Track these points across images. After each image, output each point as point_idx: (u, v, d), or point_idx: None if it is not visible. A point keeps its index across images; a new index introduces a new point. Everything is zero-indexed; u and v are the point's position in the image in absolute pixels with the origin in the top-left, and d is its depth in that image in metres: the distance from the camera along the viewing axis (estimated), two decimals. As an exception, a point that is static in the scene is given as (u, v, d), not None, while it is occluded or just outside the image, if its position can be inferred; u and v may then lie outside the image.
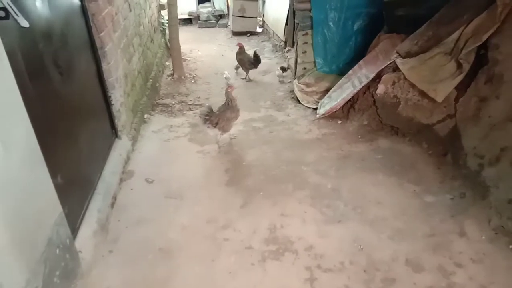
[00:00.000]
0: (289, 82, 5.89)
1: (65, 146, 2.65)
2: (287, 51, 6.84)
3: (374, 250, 2.75)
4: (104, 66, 3.40)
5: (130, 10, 4.53)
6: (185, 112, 5.05)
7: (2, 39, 1.75)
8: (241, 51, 6.17)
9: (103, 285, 2.52)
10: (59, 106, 2.59)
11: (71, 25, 2.93)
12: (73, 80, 2.85)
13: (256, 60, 6.10)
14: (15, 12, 1.91)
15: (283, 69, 6.17)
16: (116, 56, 3.70)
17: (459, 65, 3.57)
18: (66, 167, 2.57)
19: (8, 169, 1.75)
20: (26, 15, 2.07)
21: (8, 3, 1.87)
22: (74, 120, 2.84)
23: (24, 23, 1.96)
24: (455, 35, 3.66)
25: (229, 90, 4.03)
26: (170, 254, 2.77)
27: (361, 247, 2.76)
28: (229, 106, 4.03)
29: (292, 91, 5.47)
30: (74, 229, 2.62)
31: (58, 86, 2.61)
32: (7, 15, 1.88)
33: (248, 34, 8.92)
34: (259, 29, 9.13)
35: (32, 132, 1.98)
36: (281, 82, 6.11)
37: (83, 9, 3.14)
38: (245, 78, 6.32)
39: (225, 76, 6.13)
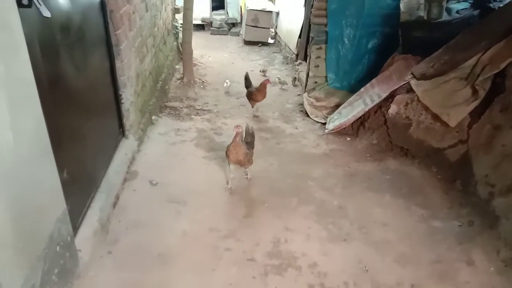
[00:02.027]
0: (299, 95, 5.86)
1: (73, 141, 2.60)
2: (298, 64, 6.82)
3: (378, 273, 2.68)
4: (117, 64, 3.37)
5: (147, 11, 4.51)
6: (192, 116, 5.01)
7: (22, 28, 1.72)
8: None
9: (98, 287, 2.45)
10: (70, 100, 2.55)
11: (89, 20, 2.90)
12: (86, 76, 2.81)
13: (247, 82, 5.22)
14: (38, 1, 1.88)
15: (294, 79, 6.22)
16: (130, 55, 3.67)
17: (475, 91, 3.54)
18: (72, 162, 2.52)
19: (17, 161, 1.70)
20: (47, 5, 2.04)
21: (32, -9, 1.84)
22: (84, 116, 2.80)
23: (46, 13, 1.92)
24: (471, 61, 3.64)
25: (236, 130, 3.32)
26: (169, 260, 2.70)
27: (366, 268, 2.69)
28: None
29: (301, 104, 5.43)
30: (75, 227, 2.54)
31: (72, 80, 2.57)
32: (30, 3, 1.84)
33: (260, 45, 8.93)
34: (270, 40, 9.14)
35: (44, 125, 1.93)
36: (283, 89, 6.21)
37: (102, 5, 3.11)
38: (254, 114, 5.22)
39: (227, 85, 6.01)
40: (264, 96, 4.96)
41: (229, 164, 3.51)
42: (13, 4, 1.69)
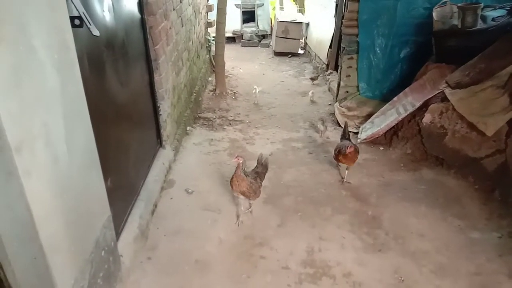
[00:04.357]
0: (330, 104, 5.88)
1: (116, 151, 2.74)
2: (329, 74, 6.85)
3: (415, 283, 2.66)
4: (156, 77, 3.52)
5: (182, 26, 4.69)
6: (225, 127, 5.13)
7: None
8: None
9: (139, 291, 2.56)
10: (114, 113, 2.69)
11: (131, 36, 3.06)
12: (128, 89, 2.96)
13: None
14: (88, 21, 2.02)
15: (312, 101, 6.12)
16: (167, 68, 3.82)
17: (513, 100, 3.47)
18: (115, 172, 2.65)
19: (69, 172, 1.82)
20: (95, 24, 2.19)
21: (83, 13, 1.98)
22: (126, 127, 2.95)
23: (96, 32, 2.06)
24: (509, 69, 3.57)
25: (236, 161, 3.18)
26: (206, 267, 2.78)
27: (402, 279, 2.67)
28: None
29: (332, 114, 5.46)
30: (117, 233, 2.66)
31: (116, 93, 2.71)
32: (81, 23, 1.99)
33: (290, 55, 9.03)
34: (300, 51, 9.22)
35: (93, 137, 2.06)
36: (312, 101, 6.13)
37: (142, 22, 3.28)
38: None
39: (255, 91, 6.03)
40: (353, 159, 3.70)
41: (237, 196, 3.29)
42: (68, 25, 1.83)
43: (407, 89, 4.43)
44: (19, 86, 1.44)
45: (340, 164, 3.92)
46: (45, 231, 1.60)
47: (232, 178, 3.18)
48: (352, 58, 5.08)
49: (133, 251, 2.77)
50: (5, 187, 1.45)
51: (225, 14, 6.01)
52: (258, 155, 3.55)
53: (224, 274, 2.72)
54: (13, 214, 1.51)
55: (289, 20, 8.83)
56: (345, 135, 4.04)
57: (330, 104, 5.89)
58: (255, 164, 3.51)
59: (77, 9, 1.97)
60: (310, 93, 6.21)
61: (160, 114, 3.68)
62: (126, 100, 2.91)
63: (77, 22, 1.98)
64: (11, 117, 1.38)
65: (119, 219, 2.74)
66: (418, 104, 4.05)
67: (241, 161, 3.15)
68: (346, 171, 3.85)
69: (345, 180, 3.83)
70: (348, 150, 3.60)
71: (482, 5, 4.04)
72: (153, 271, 2.73)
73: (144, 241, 2.96)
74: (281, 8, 11.03)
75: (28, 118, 1.50)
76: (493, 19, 4.08)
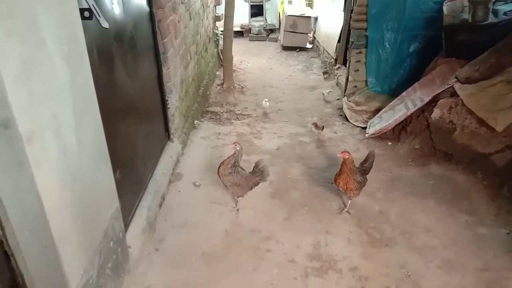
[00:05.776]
0: (338, 99, 5.86)
1: (125, 144, 2.76)
2: (337, 69, 6.81)
3: (422, 278, 2.65)
4: (164, 70, 3.54)
5: (190, 19, 4.69)
6: (232, 121, 5.14)
7: (83, 38, 1.87)
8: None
9: (146, 283, 2.57)
10: (123, 105, 2.72)
11: (140, 29, 3.07)
12: (137, 82, 2.98)
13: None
14: (98, 14, 2.04)
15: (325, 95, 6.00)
16: (176, 62, 3.83)
17: (524, 95, 3.43)
18: (124, 164, 2.67)
19: (79, 164, 1.84)
20: (104, 17, 2.20)
21: (93, 5, 1.99)
22: (135, 120, 2.97)
23: (105, 24, 2.08)
24: (520, 64, 3.53)
25: (233, 147, 3.19)
26: (213, 259, 2.80)
27: (409, 273, 2.67)
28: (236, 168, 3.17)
29: (340, 109, 5.44)
30: (125, 225, 2.69)
31: (124, 86, 2.73)
32: (91, 15, 2.00)
33: (298, 50, 8.99)
34: (308, 45, 9.18)
35: (102, 129, 2.08)
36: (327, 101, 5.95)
37: (151, 15, 3.29)
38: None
39: (265, 104, 5.45)
40: (346, 182, 3.13)
41: None
42: (78, 17, 1.85)
43: (416, 84, 4.40)
44: (29, 78, 1.46)
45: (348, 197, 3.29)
46: (55, 221, 1.63)
47: (222, 161, 3.19)
48: (360, 52, 5.04)
49: (141, 242, 2.80)
50: (16, 177, 1.47)
51: (233, 8, 6.00)
52: (263, 151, 3.51)
53: (231, 267, 2.73)
54: (24, 203, 1.53)
55: (298, 14, 8.78)
56: (364, 162, 3.41)
57: (338, 99, 5.86)
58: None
59: (86, 1, 1.99)
60: (326, 92, 6.00)
61: (168, 108, 3.70)
62: (134, 93, 2.93)
63: (86, 14, 2.00)
64: (22, 108, 1.40)
65: (127, 211, 2.77)
66: (427, 99, 4.02)
67: (238, 148, 3.15)
68: (349, 201, 3.32)
69: (346, 209, 3.30)
70: (341, 155, 3.11)
71: (493, -1, 3.99)
72: (160, 262, 2.76)
73: (152, 233, 2.99)
74: (290, 2, 10.95)
75: (38, 110, 1.53)
76: (504, 13, 4.03)
